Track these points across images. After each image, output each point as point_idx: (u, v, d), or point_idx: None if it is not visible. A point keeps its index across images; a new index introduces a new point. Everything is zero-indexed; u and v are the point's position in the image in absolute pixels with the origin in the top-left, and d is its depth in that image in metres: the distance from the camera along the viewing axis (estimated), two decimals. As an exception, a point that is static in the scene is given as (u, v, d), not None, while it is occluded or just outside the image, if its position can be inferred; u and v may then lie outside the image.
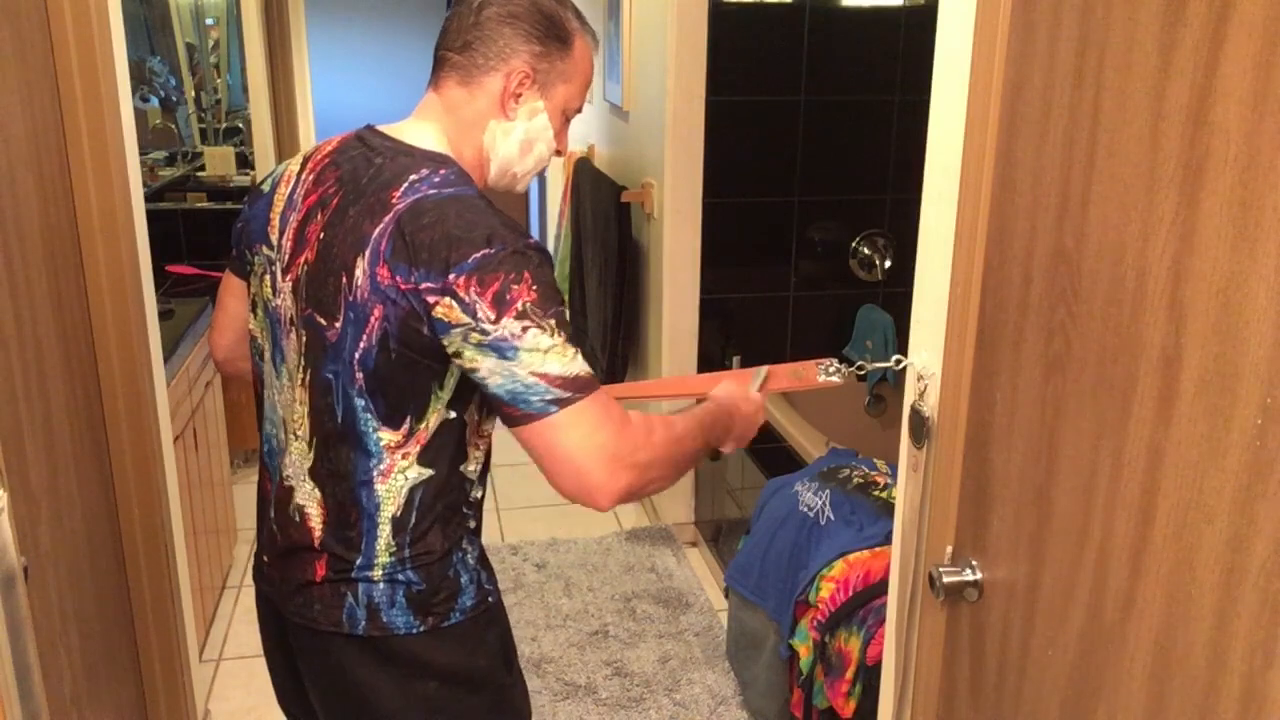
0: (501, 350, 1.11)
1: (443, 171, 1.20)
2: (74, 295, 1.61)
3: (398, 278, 1.13)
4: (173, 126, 4.43)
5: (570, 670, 2.67)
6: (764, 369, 1.51)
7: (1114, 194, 0.89)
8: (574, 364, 1.12)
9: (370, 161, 1.23)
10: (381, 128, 1.29)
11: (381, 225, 1.16)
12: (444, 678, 1.27)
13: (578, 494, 1.14)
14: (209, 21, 4.52)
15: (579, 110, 1.34)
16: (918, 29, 3.08)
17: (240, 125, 4.42)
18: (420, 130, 1.27)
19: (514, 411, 1.12)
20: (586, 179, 3.74)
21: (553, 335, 1.11)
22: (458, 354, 1.13)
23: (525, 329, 1.10)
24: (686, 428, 1.27)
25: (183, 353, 2.58)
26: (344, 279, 1.17)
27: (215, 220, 3.94)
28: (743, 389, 1.44)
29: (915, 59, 3.04)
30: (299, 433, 1.25)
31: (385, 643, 1.24)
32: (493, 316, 1.10)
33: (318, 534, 1.26)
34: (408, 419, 1.20)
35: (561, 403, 1.11)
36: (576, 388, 1.12)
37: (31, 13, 1.48)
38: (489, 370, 1.12)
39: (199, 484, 2.68)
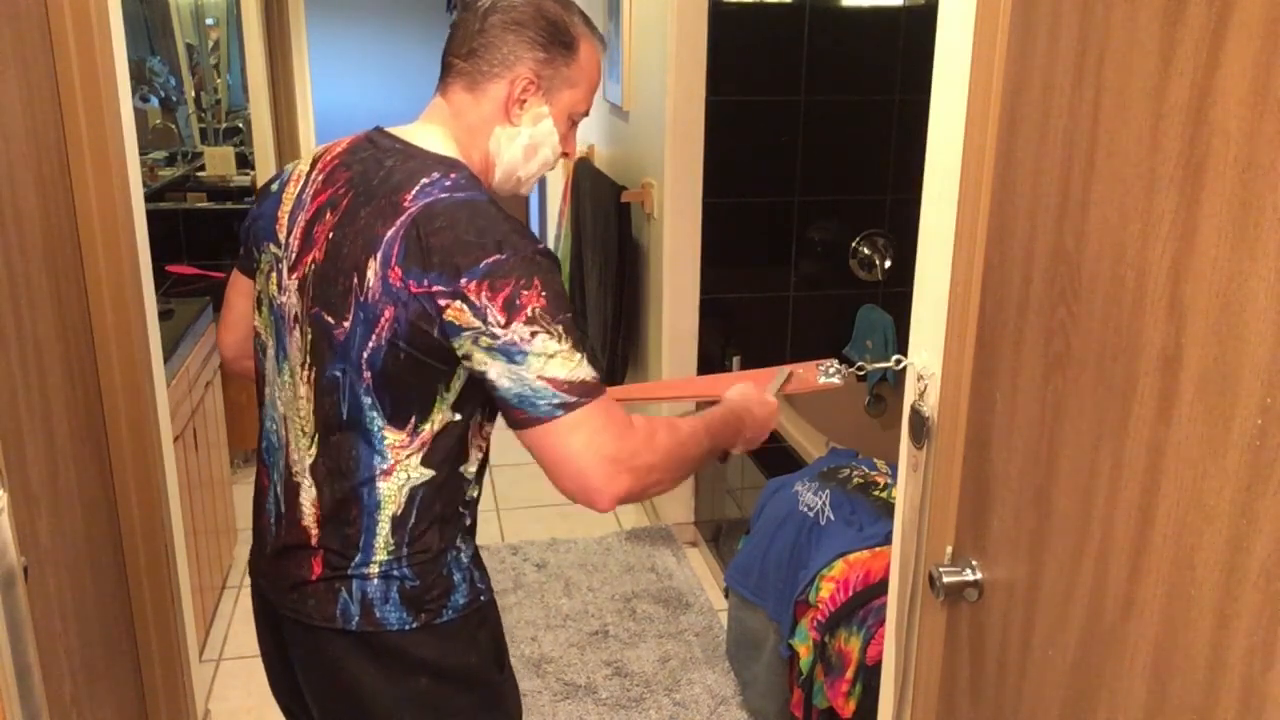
0: (510, 354, 1.12)
1: (453, 175, 1.21)
2: (74, 295, 1.61)
3: (410, 281, 1.14)
4: (173, 126, 4.43)
5: (570, 670, 2.67)
6: (786, 370, 1.52)
7: (1114, 194, 0.89)
8: (580, 369, 1.15)
9: (380, 163, 1.24)
10: (391, 130, 1.30)
11: (394, 228, 1.17)
12: (435, 674, 1.28)
13: (578, 495, 1.17)
14: (209, 21, 4.52)
15: (585, 114, 1.35)
16: (918, 29, 3.07)
17: (240, 125, 4.42)
18: (429, 133, 1.28)
19: (521, 415, 1.15)
20: (586, 179, 3.74)
21: (560, 340, 1.13)
22: (468, 356, 1.15)
23: (534, 334, 1.12)
24: (692, 431, 1.28)
25: (183, 353, 2.58)
26: (355, 279, 1.18)
27: (215, 220, 3.93)
28: (759, 392, 1.46)
29: (915, 59, 3.04)
30: (304, 429, 1.26)
31: (378, 638, 1.25)
32: (503, 321, 1.12)
33: (314, 532, 1.26)
34: (413, 419, 1.21)
35: (567, 406, 1.13)
36: (582, 392, 1.14)
37: (31, 13, 1.48)
38: (498, 373, 1.14)
39: (199, 484, 2.68)
